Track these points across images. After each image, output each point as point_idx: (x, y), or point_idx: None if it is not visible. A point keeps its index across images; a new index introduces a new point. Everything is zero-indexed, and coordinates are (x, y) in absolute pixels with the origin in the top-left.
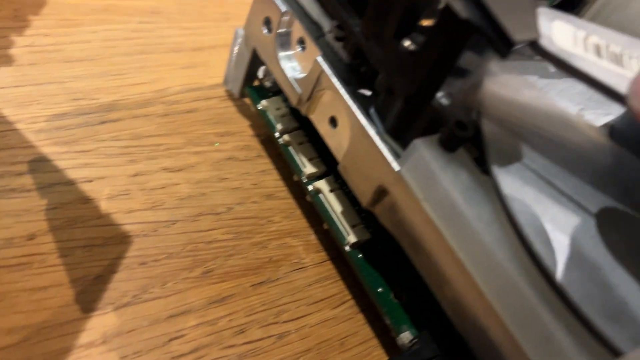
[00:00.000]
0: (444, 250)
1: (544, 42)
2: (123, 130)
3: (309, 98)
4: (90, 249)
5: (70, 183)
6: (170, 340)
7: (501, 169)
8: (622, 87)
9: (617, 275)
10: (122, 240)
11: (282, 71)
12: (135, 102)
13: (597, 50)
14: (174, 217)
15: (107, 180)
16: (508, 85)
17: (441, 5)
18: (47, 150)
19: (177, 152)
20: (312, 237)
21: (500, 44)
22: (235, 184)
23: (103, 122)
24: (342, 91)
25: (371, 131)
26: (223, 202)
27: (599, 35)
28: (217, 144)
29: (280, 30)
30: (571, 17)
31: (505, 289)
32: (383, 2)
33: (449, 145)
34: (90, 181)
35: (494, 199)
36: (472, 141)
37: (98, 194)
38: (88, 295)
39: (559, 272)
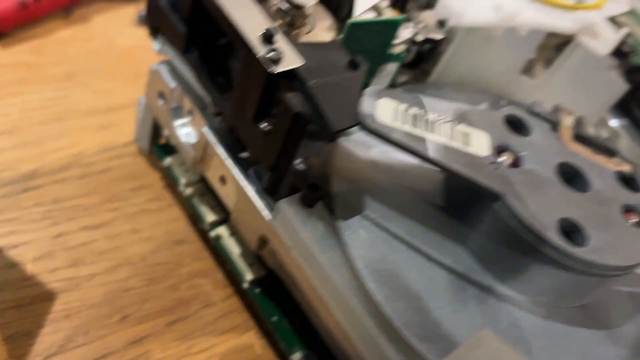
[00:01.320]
0: (310, 288)
1: (367, 121)
2: (44, 195)
3: (202, 160)
4: (20, 308)
5: None
6: None
7: (345, 221)
8: (431, 151)
9: (434, 302)
10: (48, 297)
11: (177, 137)
12: (55, 168)
13: (414, 120)
14: (93, 271)
15: (31, 245)
16: (356, 146)
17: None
18: None
19: (95, 211)
20: (220, 275)
21: (325, 133)
22: (148, 234)
23: (25, 190)
24: (224, 157)
25: (250, 191)
26: (137, 253)
27: (419, 106)
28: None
29: (172, 103)
30: (397, 92)
31: (352, 319)
32: (244, 91)
33: (307, 203)
34: (16, 247)
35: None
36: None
37: (24, 257)
38: (19, 350)
39: (386, 305)
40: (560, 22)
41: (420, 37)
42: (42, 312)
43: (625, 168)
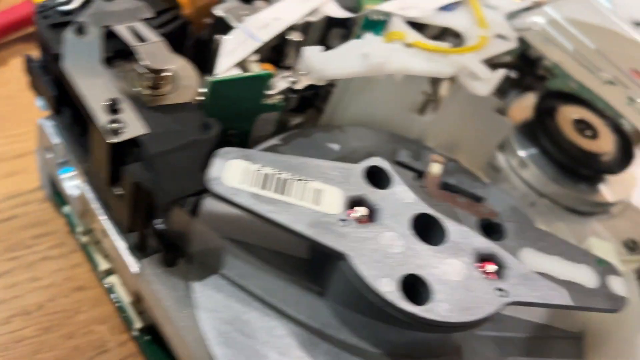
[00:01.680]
0: (174, 343)
1: (212, 184)
2: None
3: (85, 213)
4: None
5: None
6: None
7: (199, 281)
8: (278, 216)
9: None
10: None
11: (63, 190)
12: None
13: (265, 181)
14: None
15: None
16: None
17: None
18: None
19: None
20: (117, 321)
21: (160, 203)
22: (47, 281)
23: None
24: (99, 212)
25: (121, 248)
26: (34, 302)
27: (270, 165)
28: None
29: (58, 157)
30: (252, 152)
31: None
32: (97, 156)
33: (167, 263)
34: None
35: None
36: None
37: None
38: None
39: None
40: (435, 66)
41: (300, 86)
42: None
43: (491, 215)
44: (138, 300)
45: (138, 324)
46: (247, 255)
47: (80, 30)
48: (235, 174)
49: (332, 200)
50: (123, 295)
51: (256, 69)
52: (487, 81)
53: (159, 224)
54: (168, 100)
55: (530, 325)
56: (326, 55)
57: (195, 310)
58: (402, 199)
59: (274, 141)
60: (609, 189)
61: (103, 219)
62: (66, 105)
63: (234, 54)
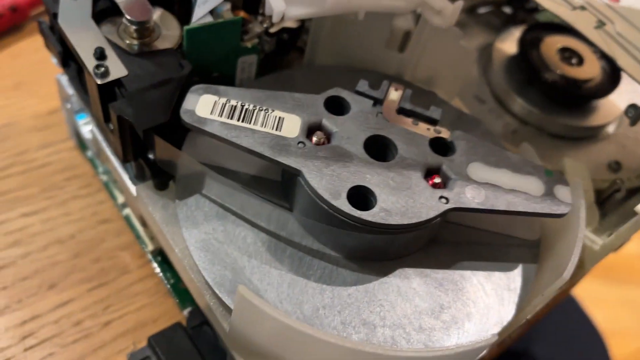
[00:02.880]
0: (169, 254)
1: (185, 116)
2: None
3: (100, 153)
4: None
5: None
6: (24, 338)
7: (183, 200)
8: (242, 140)
9: (252, 262)
10: None
11: (81, 134)
12: (1, 167)
13: (231, 112)
14: (27, 250)
15: None
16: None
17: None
18: None
19: (33, 200)
20: (137, 248)
21: (138, 131)
22: (77, 216)
23: None
24: (107, 150)
25: (125, 178)
26: (67, 233)
27: (238, 99)
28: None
29: (75, 106)
30: (222, 87)
31: (189, 279)
32: (92, 97)
33: (158, 187)
34: None
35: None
36: None
37: None
38: None
39: (205, 269)
40: (396, 1)
41: (274, 29)
42: None
43: (444, 135)
44: (144, 224)
45: (150, 247)
46: (225, 179)
47: None
48: (206, 107)
49: (292, 126)
50: (136, 223)
51: (228, 16)
52: (447, 13)
53: (148, 153)
54: (153, 47)
55: (488, 235)
56: None
57: (180, 225)
58: (358, 123)
59: (256, 83)
60: (596, 113)
61: (109, 154)
62: (72, 59)
63: (206, 3)
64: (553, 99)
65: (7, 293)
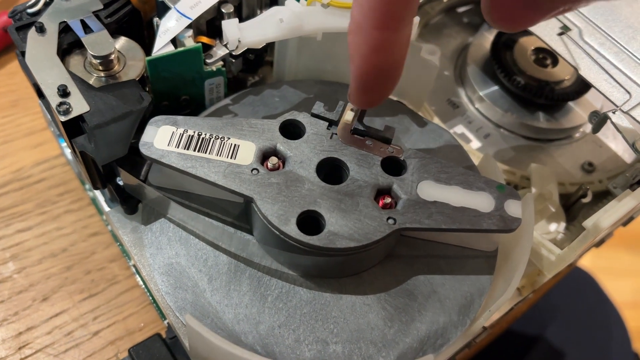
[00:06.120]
0: (140, 273)
1: (143, 149)
2: None
3: (80, 173)
4: None
5: None
6: (20, 348)
7: (148, 225)
8: (197, 170)
9: (212, 284)
10: None
11: (65, 155)
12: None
13: (188, 142)
14: (22, 264)
15: None
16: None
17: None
18: None
19: (29, 216)
20: (125, 259)
21: (99, 165)
22: (69, 230)
23: None
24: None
25: (100, 198)
26: (60, 246)
27: (195, 128)
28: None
29: (56, 132)
30: (179, 118)
31: (158, 300)
32: (60, 130)
33: (126, 211)
34: None
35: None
36: None
37: None
38: None
39: (168, 293)
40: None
41: (238, 51)
42: None
43: (397, 153)
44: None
45: (133, 261)
46: (188, 203)
47: (41, 29)
48: (164, 138)
49: (247, 153)
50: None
51: (189, 43)
52: None
53: (118, 179)
54: (119, 78)
55: (445, 247)
56: (243, 25)
57: (145, 248)
58: (312, 147)
59: (226, 101)
60: (570, 115)
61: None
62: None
63: (167, 33)
64: (526, 101)
65: (4, 306)
